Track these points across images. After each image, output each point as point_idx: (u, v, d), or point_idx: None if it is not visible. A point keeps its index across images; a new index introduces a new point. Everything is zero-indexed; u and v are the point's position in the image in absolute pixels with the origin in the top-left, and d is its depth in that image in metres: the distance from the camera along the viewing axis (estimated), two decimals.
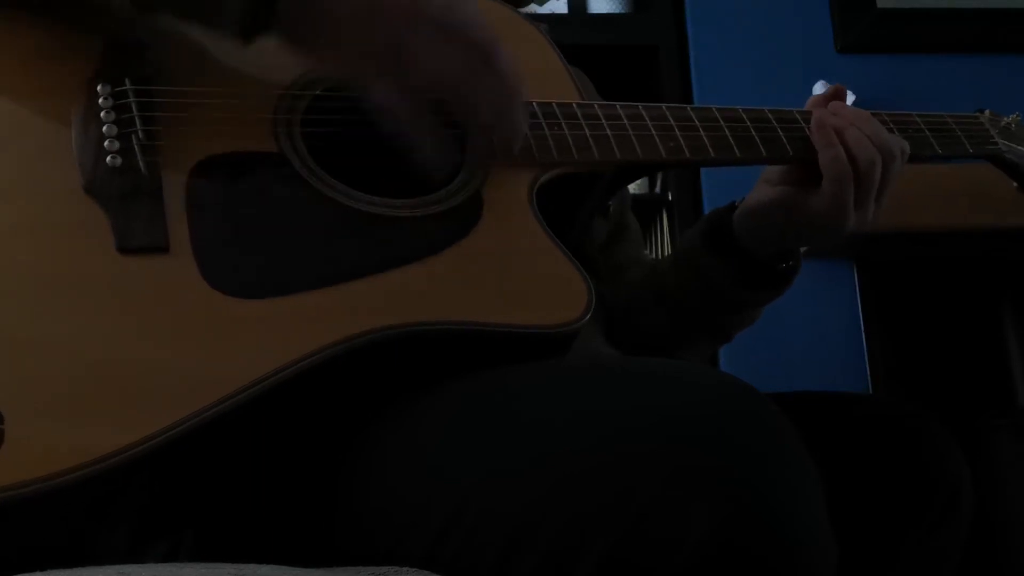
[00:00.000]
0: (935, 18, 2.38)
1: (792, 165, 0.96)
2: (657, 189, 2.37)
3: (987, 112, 1.07)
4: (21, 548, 0.60)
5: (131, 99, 0.74)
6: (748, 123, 0.91)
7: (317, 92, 0.81)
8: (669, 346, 1.08)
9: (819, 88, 2.19)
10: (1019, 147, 1.04)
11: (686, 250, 1.05)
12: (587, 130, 0.85)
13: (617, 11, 2.39)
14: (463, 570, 0.61)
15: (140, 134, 0.73)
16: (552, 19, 2.29)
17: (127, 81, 0.75)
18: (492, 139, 0.78)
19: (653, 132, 0.87)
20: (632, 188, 2.29)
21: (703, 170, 2.29)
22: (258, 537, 0.71)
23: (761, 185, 0.99)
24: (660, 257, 2.29)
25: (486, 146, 0.79)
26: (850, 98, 2.15)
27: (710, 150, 0.88)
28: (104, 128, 0.73)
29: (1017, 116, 1.07)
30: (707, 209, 2.25)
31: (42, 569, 0.56)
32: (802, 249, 1.04)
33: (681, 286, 1.04)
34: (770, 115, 0.93)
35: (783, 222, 0.97)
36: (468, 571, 0.60)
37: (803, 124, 0.93)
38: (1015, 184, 1.06)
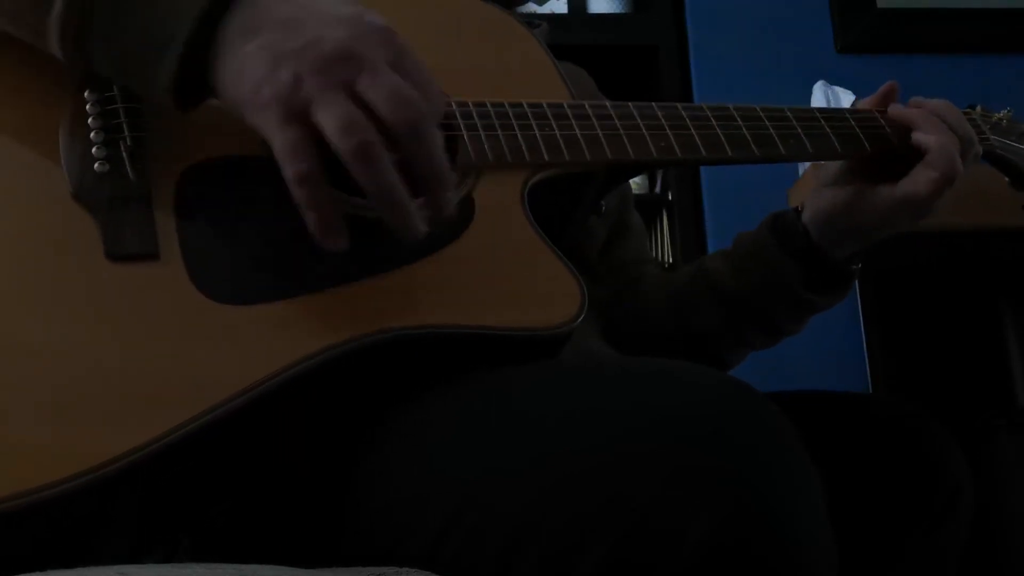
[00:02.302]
0: (935, 18, 2.38)
1: (857, 162, 0.95)
2: (657, 189, 2.37)
3: (979, 108, 1.06)
4: (21, 548, 0.60)
5: (118, 104, 0.73)
6: (739, 121, 0.91)
7: None
8: (721, 346, 1.07)
9: (819, 88, 2.19)
10: (1010, 142, 1.04)
11: (756, 249, 1.03)
12: (577, 130, 0.84)
13: (617, 11, 2.39)
14: (464, 570, 0.61)
15: (128, 140, 0.72)
16: (552, 19, 2.29)
17: (114, 87, 0.74)
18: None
19: (644, 131, 0.86)
20: (633, 188, 2.29)
21: (703, 171, 2.29)
22: (258, 538, 0.71)
23: (823, 190, 0.99)
24: (678, 258, 2.28)
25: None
26: (849, 97, 2.15)
27: (701, 149, 0.88)
28: (92, 135, 0.72)
29: (1008, 112, 1.07)
30: (707, 209, 2.25)
31: (42, 569, 0.56)
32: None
33: (749, 284, 1.02)
34: (761, 113, 0.92)
35: (864, 218, 0.96)
36: (468, 571, 0.60)
37: (794, 121, 0.93)
38: (1007, 179, 1.06)
